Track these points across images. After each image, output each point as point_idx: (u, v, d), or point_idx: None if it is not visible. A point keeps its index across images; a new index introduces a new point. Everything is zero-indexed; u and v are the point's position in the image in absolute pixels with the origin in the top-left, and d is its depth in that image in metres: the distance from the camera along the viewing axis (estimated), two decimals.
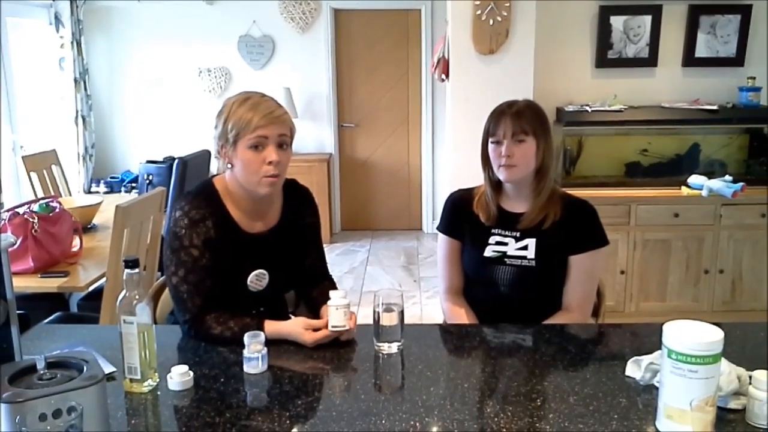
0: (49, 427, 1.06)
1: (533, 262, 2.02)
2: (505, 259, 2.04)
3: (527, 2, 3.82)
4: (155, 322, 1.73)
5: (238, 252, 1.83)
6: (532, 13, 3.86)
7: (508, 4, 3.79)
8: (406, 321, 1.73)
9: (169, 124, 6.24)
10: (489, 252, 2.06)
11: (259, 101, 1.77)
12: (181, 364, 1.53)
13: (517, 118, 1.97)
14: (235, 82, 6.16)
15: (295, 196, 1.99)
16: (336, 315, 1.69)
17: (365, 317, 1.79)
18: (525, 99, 2.07)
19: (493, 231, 2.07)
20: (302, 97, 6.20)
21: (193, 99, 6.17)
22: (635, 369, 1.53)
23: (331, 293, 1.72)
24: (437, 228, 2.23)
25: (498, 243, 2.06)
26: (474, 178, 2.16)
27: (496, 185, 2.09)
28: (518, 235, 2.05)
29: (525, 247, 2.03)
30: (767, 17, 4.35)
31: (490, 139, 2.02)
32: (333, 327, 1.70)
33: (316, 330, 1.71)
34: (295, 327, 1.73)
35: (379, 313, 1.69)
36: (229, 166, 1.81)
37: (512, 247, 2.04)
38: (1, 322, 1.34)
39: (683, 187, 4.07)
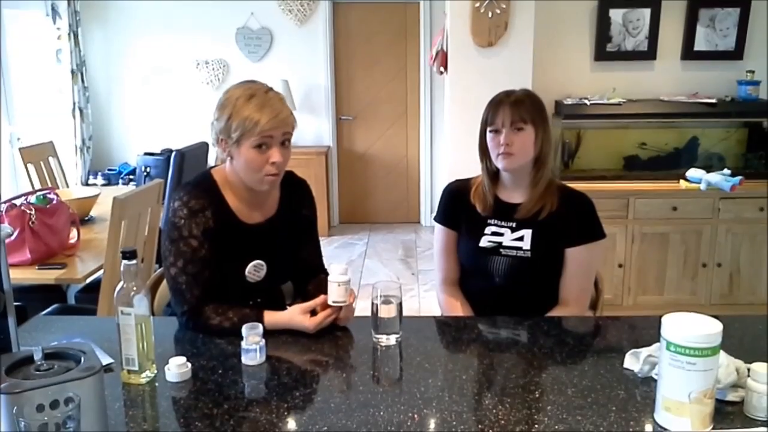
0: (46, 418, 1.06)
1: (528, 253, 2.01)
2: (501, 250, 2.04)
3: None
4: (153, 313, 1.73)
5: (236, 242, 1.83)
6: (531, 5, 3.85)
7: None
8: (404, 314, 1.72)
9: (167, 116, 6.22)
10: (484, 242, 2.05)
11: (265, 100, 1.73)
12: (178, 355, 1.53)
13: (516, 107, 1.96)
14: (232, 74, 6.14)
15: (293, 188, 1.98)
16: (337, 291, 1.69)
17: (363, 310, 1.78)
18: (523, 88, 2.06)
19: (489, 221, 2.07)
20: (300, 89, 6.18)
21: (191, 91, 6.15)
22: (633, 361, 1.53)
23: (332, 268, 1.73)
24: (434, 218, 2.22)
25: (494, 233, 2.05)
26: (472, 170, 2.16)
27: (494, 175, 2.08)
28: (514, 225, 2.04)
29: (521, 238, 2.03)
30: (767, 11, 4.34)
31: (489, 128, 2.01)
32: (333, 302, 1.70)
33: (313, 312, 1.72)
34: (294, 315, 1.73)
35: (377, 305, 1.68)
36: (229, 158, 1.81)
37: (508, 238, 2.04)
38: None
39: (682, 181, 4.08)
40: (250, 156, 1.74)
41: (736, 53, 4.40)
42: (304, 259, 2.02)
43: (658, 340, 1.32)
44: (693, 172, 4.05)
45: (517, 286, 2.03)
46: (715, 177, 3.93)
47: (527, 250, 2.01)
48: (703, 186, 3.95)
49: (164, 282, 1.96)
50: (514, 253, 2.02)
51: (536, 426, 1.31)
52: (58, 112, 5.77)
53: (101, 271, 2.80)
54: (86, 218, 3.48)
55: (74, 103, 5.79)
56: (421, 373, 1.54)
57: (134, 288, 1.46)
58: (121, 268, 1.46)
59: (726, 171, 3.98)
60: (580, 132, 4.33)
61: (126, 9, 6.07)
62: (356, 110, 6.42)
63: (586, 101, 4.24)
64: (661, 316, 1.30)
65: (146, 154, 5.54)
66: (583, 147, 4.36)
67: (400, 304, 1.70)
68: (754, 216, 4.00)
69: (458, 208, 2.13)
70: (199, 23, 6.07)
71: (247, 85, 1.78)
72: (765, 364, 1.31)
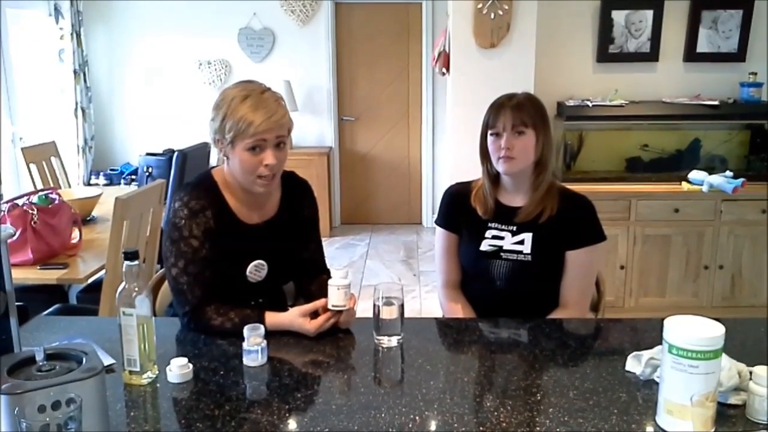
0: (47, 419, 1.06)
1: (529, 257, 2.01)
2: (501, 254, 2.03)
3: None
4: (155, 314, 1.73)
5: (237, 243, 1.83)
6: (534, 6, 3.85)
7: None
8: (406, 315, 1.72)
9: (169, 116, 6.22)
10: (485, 246, 2.05)
11: (259, 101, 1.72)
12: (180, 356, 1.53)
13: (517, 111, 1.96)
14: (234, 74, 6.14)
15: (294, 189, 1.98)
16: (337, 295, 1.69)
17: (365, 311, 1.78)
18: (524, 92, 2.06)
19: (489, 225, 2.07)
20: (302, 90, 6.18)
21: (193, 91, 6.15)
22: (635, 364, 1.52)
23: (333, 272, 1.73)
24: (435, 221, 2.22)
25: (494, 237, 2.05)
26: (474, 172, 2.15)
27: (494, 178, 2.08)
28: (515, 229, 2.04)
29: (521, 242, 2.02)
30: None
31: (490, 132, 2.00)
32: (333, 306, 1.70)
33: (314, 314, 1.72)
34: (295, 318, 1.72)
35: (378, 306, 1.68)
36: (225, 158, 1.81)
37: (508, 242, 2.03)
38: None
39: (684, 183, 4.07)
40: (244, 158, 1.74)
41: (739, 55, 4.39)
42: (306, 259, 2.02)
43: (660, 343, 1.32)
44: (695, 174, 4.04)
45: (518, 289, 2.03)
46: (717, 179, 3.92)
47: (527, 254, 2.01)
48: (705, 188, 3.94)
49: (166, 282, 1.96)
50: (514, 257, 2.02)
51: (537, 428, 1.31)
52: (60, 112, 5.78)
53: (103, 272, 2.80)
54: (88, 218, 3.48)
55: (76, 103, 5.80)
56: (423, 374, 1.54)
57: (136, 288, 1.46)
58: (123, 269, 1.47)
59: (728, 173, 3.98)
60: (582, 133, 4.33)
61: (128, 9, 6.08)
62: (358, 111, 6.42)
63: (589, 103, 4.24)
64: (663, 319, 1.30)
65: (148, 154, 5.53)
66: (585, 148, 4.35)
67: (402, 306, 1.70)
68: (756, 218, 3.99)
69: (459, 211, 2.13)
70: (202, 23, 6.07)
71: (243, 85, 1.78)
72: (767, 367, 1.31)
